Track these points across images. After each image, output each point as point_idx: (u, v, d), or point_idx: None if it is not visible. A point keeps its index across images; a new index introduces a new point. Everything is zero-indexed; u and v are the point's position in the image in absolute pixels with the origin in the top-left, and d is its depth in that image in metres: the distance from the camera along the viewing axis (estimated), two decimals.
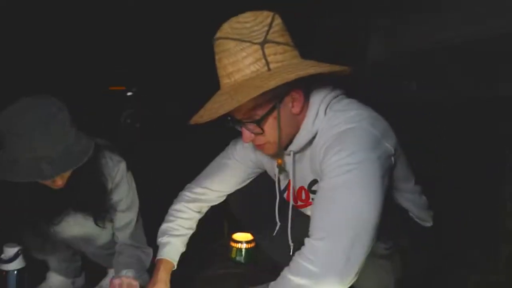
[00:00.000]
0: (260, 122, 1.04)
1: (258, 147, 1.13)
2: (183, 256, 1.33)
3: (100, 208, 1.41)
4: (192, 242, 1.99)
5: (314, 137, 1.09)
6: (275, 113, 1.04)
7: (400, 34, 4.29)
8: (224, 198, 1.40)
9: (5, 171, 1.15)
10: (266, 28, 1.00)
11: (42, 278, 1.60)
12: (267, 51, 0.99)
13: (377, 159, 0.96)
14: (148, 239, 1.51)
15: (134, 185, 1.50)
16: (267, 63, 0.99)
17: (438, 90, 3.65)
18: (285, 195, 1.29)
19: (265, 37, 0.99)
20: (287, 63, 1.01)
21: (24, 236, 1.37)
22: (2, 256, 1.29)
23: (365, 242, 0.90)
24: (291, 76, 0.95)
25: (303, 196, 1.24)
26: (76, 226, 1.43)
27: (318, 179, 1.11)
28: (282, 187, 1.29)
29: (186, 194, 1.38)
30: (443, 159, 2.28)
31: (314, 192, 1.19)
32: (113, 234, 1.51)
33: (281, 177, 1.28)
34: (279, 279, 0.95)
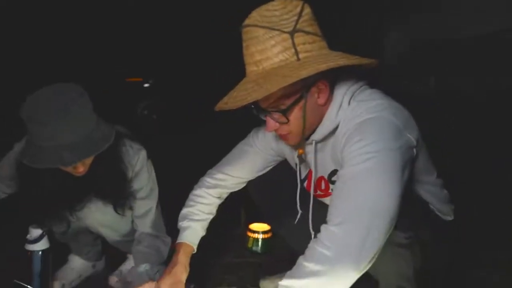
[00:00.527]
0: (286, 112, 1.04)
1: (281, 136, 1.14)
2: (200, 244, 1.35)
3: (120, 196, 1.43)
4: (210, 230, 2.02)
5: (336, 127, 1.09)
6: (301, 103, 1.04)
7: (419, 26, 4.24)
8: (244, 185, 1.41)
9: (28, 157, 1.19)
10: (295, 17, 0.99)
11: (65, 260, 1.64)
12: (296, 40, 0.98)
13: (397, 149, 0.96)
14: (167, 228, 1.54)
15: (153, 173, 1.52)
16: (297, 53, 0.98)
17: (458, 83, 3.60)
18: (305, 184, 1.30)
19: (295, 26, 0.98)
20: (316, 53, 1.00)
21: (47, 221, 1.40)
22: (28, 236, 1.32)
23: (381, 229, 0.90)
24: (322, 67, 0.94)
25: (323, 186, 1.24)
26: (97, 212, 1.45)
27: (339, 169, 1.12)
28: (302, 176, 1.30)
29: (207, 180, 1.39)
30: (463, 154, 2.25)
31: (334, 182, 1.19)
32: (133, 222, 1.54)
33: (302, 166, 1.29)
34: (294, 267, 0.95)
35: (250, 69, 1.02)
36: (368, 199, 0.91)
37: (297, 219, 1.28)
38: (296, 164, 1.28)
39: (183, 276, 1.26)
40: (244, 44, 1.02)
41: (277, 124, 1.08)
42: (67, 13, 3.80)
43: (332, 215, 0.94)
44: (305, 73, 0.94)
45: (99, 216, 1.47)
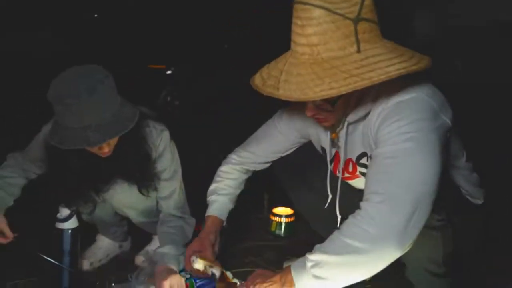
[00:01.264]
0: (335, 103, 1.02)
1: (317, 120, 1.11)
2: (225, 227, 1.36)
3: (145, 176, 1.44)
4: (232, 213, 2.04)
5: (370, 110, 1.06)
6: (349, 93, 0.96)
7: (449, 11, 4.11)
8: (269, 165, 1.42)
9: (56, 138, 1.21)
10: (358, 5, 0.91)
11: (93, 239, 1.68)
12: (359, 28, 0.91)
13: (435, 130, 0.94)
14: (191, 210, 1.55)
15: (177, 154, 1.52)
16: (358, 43, 0.91)
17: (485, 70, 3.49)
18: (331, 166, 1.28)
19: (359, 12, 0.91)
20: (377, 46, 0.94)
21: (74, 201, 1.43)
22: (58, 215, 1.35)
23: (426, 207, 0.89)
24: (392, 73, 0.89)
25: (350, 168, 1.22)
26: (122, 194, 1.48)
27: (368, 152, 1.10)
28: (329, 159, 1.28)
29: (233, 157, 1.42)
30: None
31: (362, 165, 1.18)
32: (157, 203, 1.55)
33: (328, 148, 1.27)
34: (328, 241, 0.93)
35: (303, 50, 0.94)
36: (413, 177, 0.89)
37: (327, 203, 1.27)
38: (322, 147, 1.27)
39: (210, 245, 1.28)
40: (299, 23, 0.93)
41: (317, 109, 1.05)
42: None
43: (372, 193, 0.91)
44: (375, 77, 0.88)
45: (124, 198, 1.49)
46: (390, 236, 0.86)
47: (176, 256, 1.37)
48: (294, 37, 0.96)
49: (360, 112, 1.07)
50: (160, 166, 1.46)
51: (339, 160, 1.23)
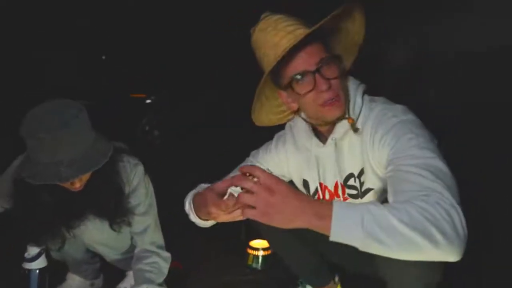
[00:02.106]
0: (336, 59, 1.08)
1: (334, 102, 1.08)
2: (200, 261, 1.33)
3: (117, 212, 1.41)
4: (210, 247, 2.01)
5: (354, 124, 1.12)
6: (342, 64, 1.10)
7: (422, 40, 4.28)
8: None
9: (27, 173, 1.19)
10: None
11: (63, 278, 1.63)
12: None
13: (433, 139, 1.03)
14: (166, 244, 1.53)
15: (151, 189, 1.51)
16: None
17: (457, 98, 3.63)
18: (315, 198, 1.28)
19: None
20: None
21: (43, 237, 1.39)
22: (26, 254, 1.32)
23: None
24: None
25: (340, 191, 1.22)
26: (94, 230, 1.45)
27: (357, 170, 1.14)
28: (311, 192, 1.29)
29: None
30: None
31: (350, 187, 1.19)
32: (132, 239, 1.53)
33: (310, 180, 1.28)
34: (405, 210, 0.79)
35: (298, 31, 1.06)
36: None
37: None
38: (304, 180, 1.28)
39: None
40: (274, 24, 1.08)
41: (329, 82, 1.06)
42: (71, 28, 3.86)
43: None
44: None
45: (96, 234, 1.46)
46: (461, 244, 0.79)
47: None
48: (277, 36, 1.07)
49: (344, 125, 1.12)
50: (134, 200, 1.44)
51: (323, 189, 1.24)
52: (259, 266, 1.88)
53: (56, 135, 1.14)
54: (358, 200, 1.18)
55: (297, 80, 1.07)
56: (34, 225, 1.35)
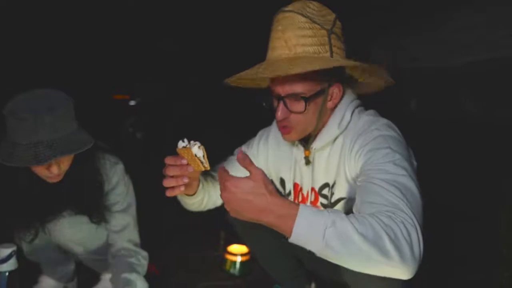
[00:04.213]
0: (308, 100, 1.08)
1: (284, 130, 1.14)
2: (177, 266, 1.32)
3: (95, 206, 1.40)
4: (188, 252, 1.99)
5: (336, 138, 1.14)
6: (321, 98, 1.11)
7: (407, 53, 4.36)
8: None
9: (4, 155, 1.16)
10: (332, 21, 1.08)
11: (35, 281, 1.59)
12: (332, 40, 1.06)
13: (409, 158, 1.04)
14: (144, 248, 1.51)
15: (131, 188, 1.50)
16: (331, 50, 1.06)
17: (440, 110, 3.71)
18: (290, 198, 1.30)
19: (332, 27, 1.07)
20: (344, 56, 1.10)
21: (16, 228, 1.37)
22: None
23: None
24: (353, 62, 1.03)
25: (312, 198, 1.24)
26: (71, 229, 1.43)
27: (332, 180, 1.16)
28: (286, 191, 1.31)
29: None
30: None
31: (323, 196, 1.20)
32: (108, 239, 1.50)
33: (286, 180, 1.30)
34: (360, 220, 0.82)
35: (280, 52, 1.06)
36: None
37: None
38: (281, 179, 1.30)
39: None
40: (279, 28, 1.07)
41: (288, 113, 1.10)
42: (54, 31, 3.81)
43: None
44: (342, 62, 1.04)
45: (72, 234, 1.44)
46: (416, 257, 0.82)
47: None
48: (273, 42, 1.08)
49: (326, 137, 1.14)
50: (113, 198, 1.43)
51: (297, 191, 1.26)
52: (236, 271, 1.87)
53: (39, 117, 1.13)
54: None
55: (271, 96, 1.13)
56: (8, 213, 1.32)
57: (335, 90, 1.13)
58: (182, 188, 1.05)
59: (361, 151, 1.05)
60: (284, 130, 1.14)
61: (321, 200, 1.21)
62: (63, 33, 3.83)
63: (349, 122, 1.14)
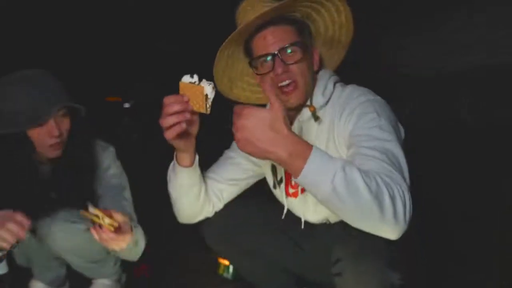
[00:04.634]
0: (301, 44, 1.12)
1: (288, 88, 1.13)
2: (171, 271, 1.29)
3: (89, 193, 1.39)
4: (188, 252, 1.97)
5: (322, 108, 1.16)
6: (309, 51, 1.16)
7: (401, 59, 4.40)
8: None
9: (7, 125, 1.22)
10: None
11: (25, 285, 1.56)
12: None
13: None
14: None
15: (124, 173, 1.50)
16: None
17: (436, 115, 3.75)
18: (282, 186, 1.29)
19: None
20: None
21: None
22: None
23: None
24: None
25: (293, 182, 1.25)
26: (65, 233, 1.37)
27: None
28: (278, 178, 1.30)
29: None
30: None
31: None
32: (102, 248, 1.43)
33: (277, 167, 1.29)
34: (367, 173, 0.85)
35: (252, 14, 1.09)
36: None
37: (284, 214, 1.29)
38: (273, 167, 1.29)
39: None
40: (248, 8, 1.13)
41: (287, 66, 1.11)
42: (49, 32, 3.79)
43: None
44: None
45: (68, 240, 1.38)
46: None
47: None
48: (245, 16, 1.13)
49: (318, 100, 1.16)
50: (106, 182, 1.44)
51: (290, 177, 1.25)
52: (230, 275, 1.83)
53: (40, 79, 1.25)
54: None
55: (259, 61, 1.14)
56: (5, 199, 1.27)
57: (314, 54, 1.20)
58: (184, 125, 0.98)
59: (349, 117, 1.07)
60: (288, 88, 1.13)
61: None
62: (57, 34, 3.81)
63: (332, 93, 1.17)
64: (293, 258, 1.31)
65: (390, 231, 0.86)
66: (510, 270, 1.63)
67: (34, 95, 1.23)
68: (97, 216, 1.09)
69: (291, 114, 1.21)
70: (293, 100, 1.15)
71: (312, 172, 0.82)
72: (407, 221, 0.86)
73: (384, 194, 0.83)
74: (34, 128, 1.26)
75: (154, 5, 3.80)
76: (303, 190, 1.24)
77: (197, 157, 1.18)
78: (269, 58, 1.12)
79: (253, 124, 0.83)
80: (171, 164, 1.22)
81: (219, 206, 1.30)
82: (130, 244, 1.23)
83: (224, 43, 1.13)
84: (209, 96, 0.97)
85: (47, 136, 1.27)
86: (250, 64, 1.18)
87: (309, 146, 0.84)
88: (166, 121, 0.98)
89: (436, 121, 3.51)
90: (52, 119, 1.26)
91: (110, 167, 1.45)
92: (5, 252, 1.26)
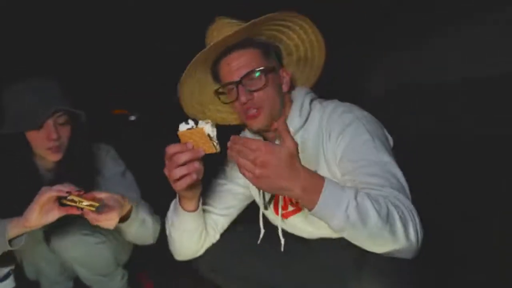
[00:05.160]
0: (265, 72, 1.11)
1: (252, 114, 1.12)
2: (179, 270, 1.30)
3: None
4: (180, 270, 1.95)
5: (301, 126, 1.15)
6: (275, 75, 1.15)
7: (401, 71, 4.45)
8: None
9: (9, 126, 1.27)
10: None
11: None
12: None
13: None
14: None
15: (128, 171, 1.54)
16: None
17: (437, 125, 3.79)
18: (271, 205, 1.27)
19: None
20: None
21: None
22: None
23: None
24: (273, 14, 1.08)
25: (294, 200, 1.21)
26: (77, 246, 1.40)
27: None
28: (267, 199, 1.28)
29: None
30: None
31: None
32: (112, 262, 1.48)
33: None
34: (379, 204, 0.88)
35: (216, 38, 1.09)
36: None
37: (259, 239, 1.27)
38: (260, 191, 1.27)
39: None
40: (214, 33, 1.13)
41: (250, 94, 1.10)
42: (56, 43, 3.84)
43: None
44: (270, 15, 1.07)
45: (78, 250, 1.41)
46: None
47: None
48: (210, 39, 1.13)
49: (293, 124, 1.15)
50: (111, 182, 1.46)
51: (277, 196, 1.24)
52: None
53: (48, 83, 1.32)
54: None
55: (223, 90, 1.15)
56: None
57: (283, 74, 1.19)
58: (195, 176, 0.96)
59: (341, 136, 1.07)
60: (252, 115, 1.13)
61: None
62: (61, 44, 3.85)
63: (309, 112, 1.16)
64: (286, 279, 1.27)
65: (404, 252, 0.90)
66: (510, 270, 1.63)
67: (35, 99, 1.27)
68: (73, 201, 1.09)
69: (271, 136, 1.20)
70: (255, 124, 1.14)
71: (326, 204, 0.86)
72: (420, 240, 0.90)
73: (396, 219, 0.87)
74: (32, 131, 1.30)
75: (155, 5, 3.80)
76: (296, 212, 1.22)
77: (201, 200, 1.16)
78: (233, 86, 1.12)
79: (276, 161, 0.83)
80: (172, 206, 1.19)
81: (216, 237, 1.29)
82: (135, 222, 1.27)
83: (186, 70, 1.13)
84: (211, 135, 0.95)
85: (45, 139, 1.30)
86: (216, 91, 1.17)
87: (321, 179, 0.87)
88: (175, 173, 0.95)
89: (437, 120, 3.53)
90: (51, 123, 1.30)
91: (114, 166, 1.49)
92: (12, 267, 1.31)
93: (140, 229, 1.32)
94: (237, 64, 1.11)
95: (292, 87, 1.22)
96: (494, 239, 1.90)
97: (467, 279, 1.62)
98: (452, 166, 2.71)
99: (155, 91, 4.98)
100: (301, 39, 1.20)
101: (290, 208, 1.23)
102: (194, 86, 1.21)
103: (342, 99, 1.19)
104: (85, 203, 1.08)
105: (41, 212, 1.10)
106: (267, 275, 1.25)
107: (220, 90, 1.16)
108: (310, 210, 0.87)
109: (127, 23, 3.90)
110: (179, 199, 1.13)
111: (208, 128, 0.94)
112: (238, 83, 1.10)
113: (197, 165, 0.96)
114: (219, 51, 1.12)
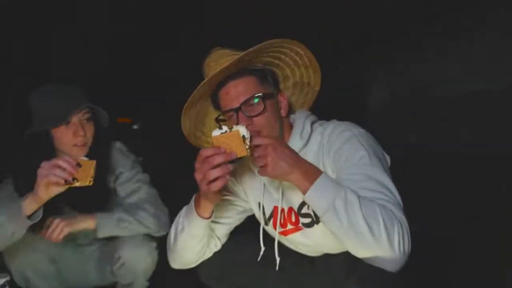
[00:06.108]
0: (264, 98, 1.14)
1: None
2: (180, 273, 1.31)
3: (105, 189, 1.49)
4: (182, 280, 1.96)
5: (302, 148, 1.16)
6: (274, 101, 1.18)
7: (403, 83, 4.46)
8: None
9: (39, 122, 1.37)
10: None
11: None
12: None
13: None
14: None
15: (141, 174, 1.58)
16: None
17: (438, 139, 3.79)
18: (271, 222, 1.27)
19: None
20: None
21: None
22: None
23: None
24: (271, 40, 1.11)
25: (293, 219, 1.22)
26: (151, 257, 1.46)
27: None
28: (267, 215, 1.28)
29: None
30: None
31: (303, 215, 1.18)
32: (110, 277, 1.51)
33: (265, 203, 1.27)
34: (367, 203, 0.94)
35: (213, 70, 1.13)
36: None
37: (260, 256, 1.26)
38: (260, 204, 1.28)
39: None
40: (211, 64, 1.17)
41: (250, 119, 1.13)
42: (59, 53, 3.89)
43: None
44: (267, 42, 1.11)
45: (150, 263, 1.46)
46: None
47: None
48: (208, 71, 1.17)
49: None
50: (127, 179, 1.52)
51: (277, 213, 1.24)
52: None
53: (68, 88, 1.41)
54: (315, 227, 1.17)
55: (225, 116, 1.18)
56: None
57: (281, 99, 1.22)
58: (228, 177, 1.01)
59: (340, 151, 1.09)
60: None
61: (303, 220, 1.19)
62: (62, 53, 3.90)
63: (310, 134, 1.18)
64: None
65: (388, 262, 0.91)
66: (510, 270, 1.62)
67: (61, 98, 1.37)
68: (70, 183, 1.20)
69: None
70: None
71: (317, 193, 0.96)
72: (406, 252, 0.91)
73: (380, 222, 0.90)
74: (60, 128, 1.38)
75: (159, 14, 3.81)
76: (294, 231, 1.23)
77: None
78: (233, 112, 1.15)
79: (286, 148, 0.99)
80: (184, 212, 1.21)
81: (218, 246, 1.30)
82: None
83: (187, 102, 1.16)
84: (246, 137, 1.00)
85: (72, 136, 1.38)
86: (217, 119, 1.20)
87: (318, 171, 1.00)
88: (211, 174, 0.99)
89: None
90: (78, 120, 1.39)
91: (131, 167, 1.54)
92: (8, 279, 1.31)
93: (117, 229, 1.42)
94: (236, 92, 1.15)
95: (290, 111, 1.24)
96: (494, 239, 1.88)
97: (467, 279, 1.61)
98: (452, 172, 2.70)
99: (158, 99, 5.00)
100: (296, 62, 1.22)
101: (289, 227, 1.23)
102: (195, 116, 1.25)
103: (341, 112, 1.21)
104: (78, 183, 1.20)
105: (47, 187, 1.20)
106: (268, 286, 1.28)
107: (221, 117, 1.19)
108: (305, 192, 0.97)
109: (130, 31, 3.93)
110: (197, 204, 1.15)
111: (243, 130, 1.00)
112: (237, 109, 1.13)
113: (230, 167, 1.01)
114: (217, 81, 1.16)
